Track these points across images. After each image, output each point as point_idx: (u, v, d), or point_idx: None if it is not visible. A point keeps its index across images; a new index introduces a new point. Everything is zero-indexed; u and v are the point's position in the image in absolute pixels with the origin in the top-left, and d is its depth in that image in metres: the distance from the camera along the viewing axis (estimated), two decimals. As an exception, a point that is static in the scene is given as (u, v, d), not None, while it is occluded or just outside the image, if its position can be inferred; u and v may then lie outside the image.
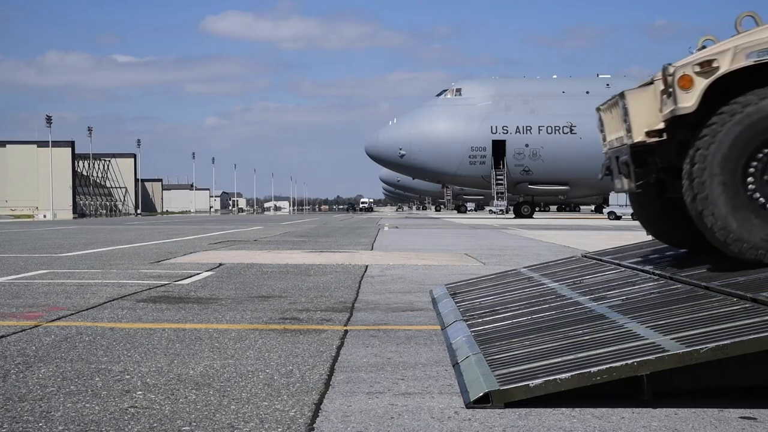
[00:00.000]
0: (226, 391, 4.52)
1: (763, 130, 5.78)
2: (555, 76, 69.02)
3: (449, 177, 66.14)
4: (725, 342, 4.08)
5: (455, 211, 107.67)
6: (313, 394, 4.46)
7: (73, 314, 7.61)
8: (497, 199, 64.14)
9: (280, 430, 3.79)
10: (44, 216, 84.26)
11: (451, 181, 69.82)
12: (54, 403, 4.27)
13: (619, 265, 8.11)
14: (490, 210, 79.46)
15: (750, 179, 5.84)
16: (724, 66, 5.84)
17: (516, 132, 62.67)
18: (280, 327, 6.92)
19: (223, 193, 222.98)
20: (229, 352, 5.74)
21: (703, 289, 5.59)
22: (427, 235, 29.30)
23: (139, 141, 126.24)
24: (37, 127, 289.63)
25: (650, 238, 8.49)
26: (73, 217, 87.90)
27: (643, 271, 7.28)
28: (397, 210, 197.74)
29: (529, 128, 62.70)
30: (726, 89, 5.96)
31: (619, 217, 50.70)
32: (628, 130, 6.24)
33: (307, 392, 4.51)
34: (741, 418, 3.95)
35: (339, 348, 5.89)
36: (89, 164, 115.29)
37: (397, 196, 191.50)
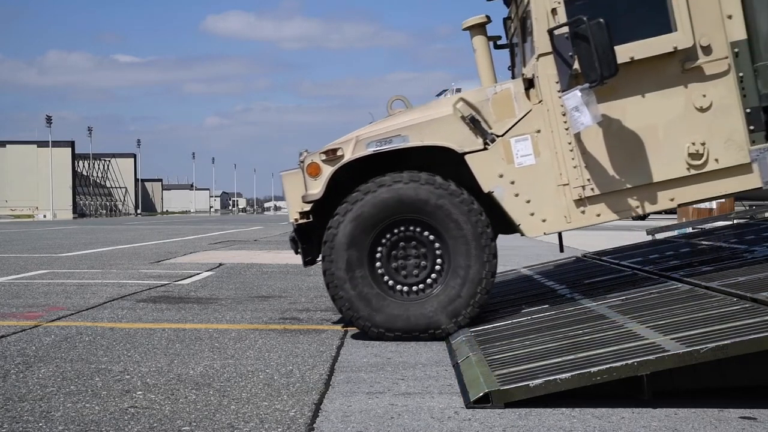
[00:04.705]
0: (226, 391, 4.52)
1: (386, 215, 6.01)
2: (555, 76, 68.90)
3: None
4: (725, 342, 4.08)
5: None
6: (313, 394, 4.46)
7: (73, 314, 7.62)
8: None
9: (280, 430, 3.79)
10: (44, 216, 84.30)
11: (451, 180, 69.72)
12: (54, 403, 4.27)
13: (619, 265, 8.12)
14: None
15: (378, 264, 6.10)
16: (348, 154, 6.15)
17: (517, 132, 62.55)
18: (280, 327, 6.92)
19: (223, 193, 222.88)
20: (229, 352, 5.74)
21: (703, 289, 5.59)
22: (427, 235, 29.25)
23: (139, 141, 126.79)
24: (37, 127, 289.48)
25: None
26: (73, 217, 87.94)
27: (643, 271, 7.29)
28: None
29: (529, 128, 62.59)
30: (368, 171, 6.19)
31: (642, 218, 44.63)
32: (289, 210, 6.52)
33: (307, 392, 4.51)
34: (741, 418, 3.95)
35: (339, 348, 5.90)
36: (89, 164, 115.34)
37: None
